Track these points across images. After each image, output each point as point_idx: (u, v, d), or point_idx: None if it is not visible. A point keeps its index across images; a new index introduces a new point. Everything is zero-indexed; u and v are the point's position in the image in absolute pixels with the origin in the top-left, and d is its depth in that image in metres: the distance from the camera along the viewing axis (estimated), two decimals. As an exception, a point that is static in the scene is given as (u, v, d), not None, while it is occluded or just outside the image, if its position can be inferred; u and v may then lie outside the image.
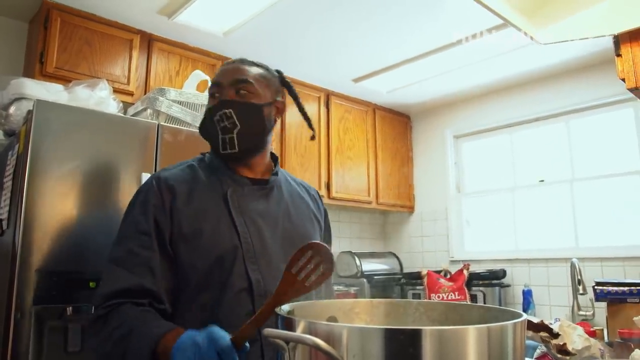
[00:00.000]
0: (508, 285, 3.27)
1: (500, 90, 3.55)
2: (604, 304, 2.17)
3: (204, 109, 1.62)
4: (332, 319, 0.79)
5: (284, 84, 1.22)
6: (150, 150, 1.90)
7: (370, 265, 3.50)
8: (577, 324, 1.82)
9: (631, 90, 2.14)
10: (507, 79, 3.37)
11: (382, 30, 2.65)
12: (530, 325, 1.39)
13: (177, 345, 0.81)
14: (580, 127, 3.21)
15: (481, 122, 3.66)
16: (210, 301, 0.99)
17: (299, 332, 0.60)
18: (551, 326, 1.41)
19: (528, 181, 3.39)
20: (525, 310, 3.02)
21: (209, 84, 1.19)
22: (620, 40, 2.14)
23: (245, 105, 1.09)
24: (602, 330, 2.15)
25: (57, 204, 1.66)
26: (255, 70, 1.15)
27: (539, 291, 3.14)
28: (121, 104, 2.08)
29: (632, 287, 2.04)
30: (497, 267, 3.31)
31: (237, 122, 1.08)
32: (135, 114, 2.14)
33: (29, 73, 2.29)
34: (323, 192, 3.27)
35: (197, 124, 1.65)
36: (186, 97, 2.16)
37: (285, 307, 0.74)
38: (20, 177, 1.64)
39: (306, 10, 2.44)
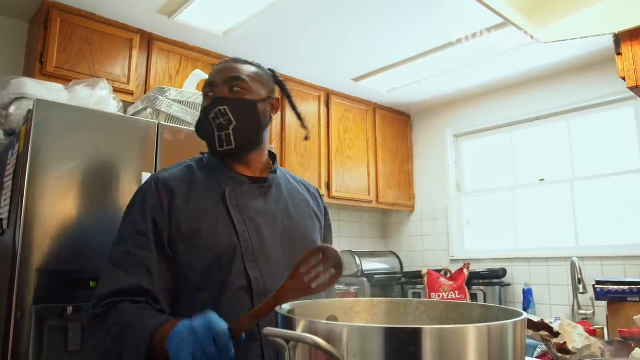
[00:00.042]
0: (508, 284, 3.27)
1: (501, 89, 3.55)
2: (604, 303, 2.17)
3: (204, 109, 1.62)
4: (333, 318, 0.79)
5: (277, 83, 1.22)
6: (151, 150, 1.90)
7: (370, 265, 3.50)
8: (578, 323, 1.82)
9: (631, 89, 2.14)
10: (507, 78, 3.37)
11: (382, 29, 2.65)
12: (531, 324, 1.39)
13: (173, 332, 0.82)
14: (581, 126, 3.21)
15: (481, 121, 3.66)
16: (209, 300, 0.99)
17: (299, 331, 0.60)
18: (551, 325, 1.41)
19: (528, 180, 3.39)
20: (525, 309, 3.02)
21: None
22: (620, 38, 2.14)
23: (239, 101, 1.10)
24: (603, 329, 2.15)
25: (58, 204, 1.66)
26: (248, 68, 1.16)
27: (539, 290, 3.14)
28: (121, 104, 2.08)
29: (633, 286, 2.04)
30: (497, 266, 3.31)
31: (232, 119, 1.08)
32: (135, 114, 2.13)
33: (29, 73, 2.29)
34: (323, 191, 3.27)
35: (197, 124, 1.65)
36: (186, 97, 2.16)
37: (286, 307, 0.74)
38: (21, 177, 1.64)
39: (306, 10, 2.43)
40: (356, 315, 0.82)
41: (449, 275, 3.33)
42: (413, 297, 3.43)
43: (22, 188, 1.61)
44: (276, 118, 3.11)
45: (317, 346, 0.55)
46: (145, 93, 2.45)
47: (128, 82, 2.46)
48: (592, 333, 1.88)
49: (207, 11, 2.44)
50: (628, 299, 2.03)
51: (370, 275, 3.40)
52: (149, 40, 2.60)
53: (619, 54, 2.15)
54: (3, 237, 1.75)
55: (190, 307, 0.99)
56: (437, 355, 0.53)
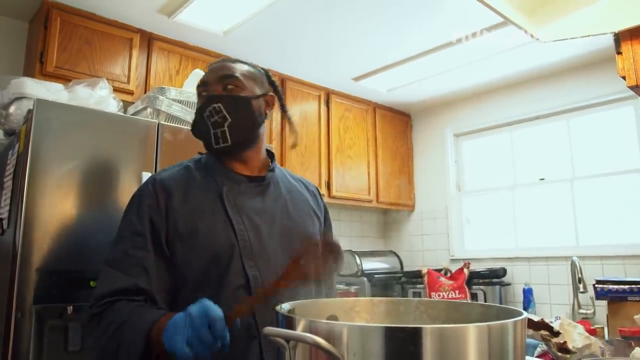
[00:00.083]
0: (508, 284, 3.27)
1: (501, 88, 3.55)
2: (604, 302, 2.17)
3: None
4: (333, 317, 0.79)
5: (270, 83, 1.21)
6: (151, 150, 1.90)
7: (370, 264, 3.50)
8: (578, 323, 1.82)
9: (632, 88, 2.14)
10: (507, 77, 3.37)
11: (382, 29, 2.64)
12: (531, 324, 1.39)
13: (169, 323, 0.82)
14: (581, 125, 3.21)
15: (481, 120, 3.66)
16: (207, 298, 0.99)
17: (299, 331, 0.60)
18: (552, 324, 1.41)
19: (528, 179, 3.39)
20: (525, 309, 3.02)
21: None
22: (620, 38, 2.14)
23: (233, 98, 1.10)
24: (603, 328, 2.15)
25: (58, 203, 1.66)
26: (241, 66, 1.16)
27: (539, 289, 3.14)
28: (121, 103, 2.08)
29: (633, 286, 2.04)
30: (497, 265, 3.31)
31: (227, 116, 1.09)
32: (135, 113, 2.13)
33: (29, 72, 2.29)
34: (323, 191, 3.27)
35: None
36: (186, 96, 2.16)
37: (286, 306, 0.74)
38: (21, 177, 1.64)
39: (306, 9, 2.43)
40: (356, 314, 0.82)
41: (449, 275, 3.33)
42: (413, 297, 3.43)
43: (22, 188, 1.61)
44: (276, 118, 3.11)
45: (318, 346, 0.55)
46: (145, 93, 2.45)
47: (128, 82, 2.46)
48: (593, 332, 1.88)
49: (207, 11, 2.44)
50: (628, 298, 2.04)
51: (370, 275, 3.40)
52: (149, 40, 2.60)
53: (619, 53, 2.15)
54: (3, 237, 1.75)
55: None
56: (437, 354, 0.53)
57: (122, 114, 2.03)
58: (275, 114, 3.11)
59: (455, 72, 3.24)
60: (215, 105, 1.09)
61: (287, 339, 0.60)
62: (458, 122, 3.81)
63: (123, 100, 2.17)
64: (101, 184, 1.76)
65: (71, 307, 1.61)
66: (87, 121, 1.77)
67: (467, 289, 3.15)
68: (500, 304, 3.09)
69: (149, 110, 2.08)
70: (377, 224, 4.13)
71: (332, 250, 0.80)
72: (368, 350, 0.55)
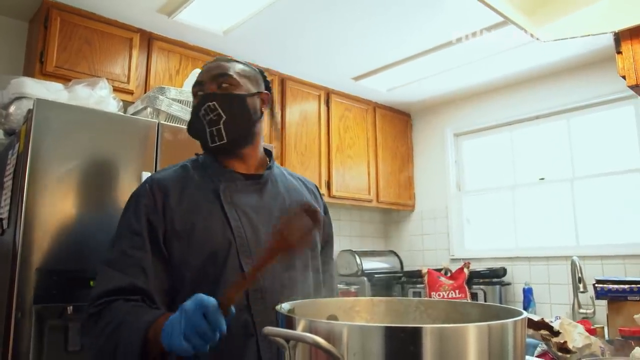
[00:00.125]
0: (508, 284, 3.27)
1: (501, 88, 3.55)
2: (604, 302, 2.17)
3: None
4: (333, 317, 0.79)
5: (265, 83, 1.22)
6: (151, 149, 1.90)
7: (370, 264, 3.50)
8: (578, 322, 1.82)
9: (632, 87, 2.14)
10: (507, 77, 3.37)
11: (382, 28, 2.64)
12: (531, 323, 1.39)
13: (167, 323, 0.82)
14: (581, 125, 3.21)
15: (481, 120, 3.66)
16: None
17: (299, 331, 0.60)
18: (552, 324, 1.41)
19: (528, 179, 3.39)
20: (525, 309, 3.02)
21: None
22: (620, 37, 2.13)
23: (227, 95, 1.11)
24: (603, 328, 2.15)
25: (58, 203, 1.66)
26: (235, 65, 1.16)
27: (539, 289, 3.14)
28: (121, 103, 2.08)
29: (633, 285, 2.04)
30: (497, 265, 3.31)
31: (222, 113, 1.09)
32: (135, 113, 2.13)
33: (29, 72, 2.29)
34: (323, 190, 3.27)
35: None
36: (186, 96, 2.16)
37: (286, 306, 0.74)
38: (21, 177, 1.64)
39: (306, 9, 2.43)
40: (356, 314, 0.82)
41: (449, 275, 3.33)
42: (413, 297, 3.43)
43: (22, 188, 1.61)
44: (276, 117, 3.11)
45: (317, 345, 0.55)
46: (145, 92, 2.45)
47: (128, 82, 2.46)
48: (593, 332, 1.88)
49: (206, 10, 2.44)
50: (628, 297, 2.04)
51: (370, 275, 3.41)
52: (148, 40, 2.60)
53: (619, 52, 2.15)
54: (3, 237, 1.75)
55: None
56: (437, 354, 0.53)
57: (122, 113, 2.03)
58: (276, 114, 3.11)
59: (455, 71, 3.24)
60: (210, 103, 1.09)
61: (287, 339, 0.60)
62: (458, 121, 3.80)
63: (123, 100, 2.17)
64: (101, 184, 1.76)
65: (71, 307, 1.61)
66: (87, 121, 1.77)
67: (467, 289, 3.15)
68: (500, 303, 3.09)
69: (149, 110, 2.07)
70: (377, 224, 4.13)
71: (309, 215, 0.81)
72: (368, 350, 0.54)
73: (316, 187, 1.32)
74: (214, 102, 1.09)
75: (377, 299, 0.85)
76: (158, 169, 1.88)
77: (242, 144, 1.13)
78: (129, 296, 0.95)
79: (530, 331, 1.39)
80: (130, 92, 2.46)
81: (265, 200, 1.11)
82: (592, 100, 3.11)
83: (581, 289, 2.55)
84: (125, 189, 1.79)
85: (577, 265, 2.58)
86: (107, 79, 2.10)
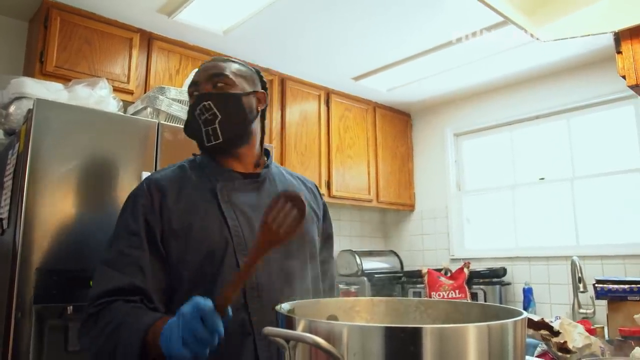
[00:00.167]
0: (508, 284, 3.27)
1: (501, 88, 3.55)
2: (604, 302, 2.17)
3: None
4: (333, 317, 0.79)
5: (261, 83, 1.21)
6: (151, 149, 1.90)
7: (370, 264, 3.50)
8: (578, 322, 1.82)
9: (632, 87, 2.14)
10: (507, 76, 3.37)
11: (382, 28, 2.64)
12: (531, 324, 1.39)
13: (165, 327, 0.82)
14: (581, 124, 3.21)
15: (481, 120, 3.66)
16: (201, 296, 0.99)
17: (299, 331, 0.60)
18: (552, 324, 1.41)
19: (528, 179, 3.39)
20: (525, 309, 3.02)
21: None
22: (620, 37, 2.13)
23: (222, 95, 1.11)
24: (603, 328, 2.15)
25: (58, 203, 1.66)
26: (231, 65, 1.16)
27: (539, 289, 3.14)
28: (121, 103, 2.08)
29: (633, 285, 2.04)
30: (497, 265, 3.31)
31: (217, 113, 1.09)
32: (135, 113, 2.13)
33: (29, 72, 2.29)
34: (323, 190, 3.27)
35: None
36: (186, 96, 2.15)
37: (286, 306, 0.74)
38: (21, 176, 1.64)
39: (306, 9, 2.43)
40: (356, 314, 0.82)
41: (449, 275, 3.33)
42: (413, 296, 3.43)
43: (22, 187, 1.61)
44: (276, 118, 3.11)
45: (317, 346, 0.55)
46: (145, 92, 2.45)
47: (128, 82, 2.46)
48: (593, 332, 1.88)
49: (206, 10, 2.44)
50: (628, 297, 2.04)
51: (370, 275, 3.41)
52: (148, 40, 2.60)
53: (619, 52, 2.15)
54: (3, 237, 1.75)
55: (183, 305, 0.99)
56: (437, 354, 0.53)
57: (122, 113, 2.02)
58: (276, 114, 3.11)
59: (455, 71, 3.24)
60: (205, 103, 1.10)
61: (287, 339, 0.60)
62: (458, 121, 3.80)
63: (123, 100, 2.17)
64: (101, 184, 1.76)
65: (71, 307, 1.61)
66: (87, 121, 1.77)
67: (467, 289, 3.15)
68: (500, 303, 3.09)
69: (149, 110, 2.07)
70: (377, 224, 4.13)
71: (294, 203, 0.81)
72: (368, 350, 0.54)
73: (315, 186, 1.31)
74: (209, 102, 1.09)
75: (377, 299, 0.85)
76: (158, 168, 1.88)
77: (238, 143, 1.13)
78: (127, 296, 0.95)
79: (530, 331, 1.39)
80: (130, 92, 2.46)
81: (262, 198, 1.11)
82: (592, 100, 3.11)
83: (581, 289, 2.55)
84: (125, 188, 1.79)
85: (577, 265, 2.58)
86: (107, 78, 2.10)
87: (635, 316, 1.64)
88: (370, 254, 3.66)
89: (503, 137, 3.59)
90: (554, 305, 3.08)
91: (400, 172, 3.88)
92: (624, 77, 2.12)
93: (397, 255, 3.82)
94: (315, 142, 3.30)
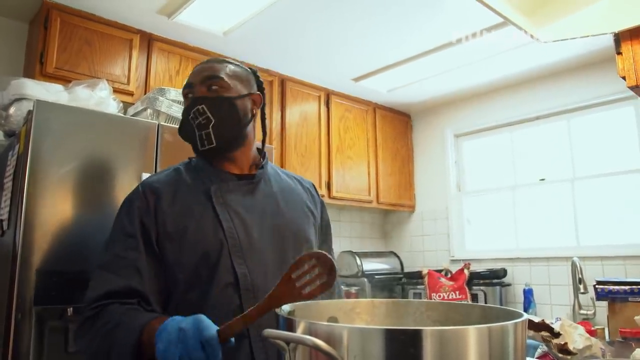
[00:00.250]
0: (509, 285, 3.27)
1: (501, 88, 3.55)
2: (605, 303, 2.17)
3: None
4: (333, 319, 0.79)
5: (257, 84, 1.21)
6: (151, 150, 1.90)
7: (371, 265, 3.50)
8: (578, 323, 1.81)
9: (632, 88, 2.13)
10: (508, 77, 3.37)
11: (382, 29, 2.64)
12: (531, 325, 1.39)
13: (162, 327, 0.82)
14: (581, 125, 3.20)
15: (481, 120, 3.66)
16: (196, 298, 0.99)
17: (299, 333, 0.60)
18: (552, 325, 1.41)
19: (529, 180, 3.39)
20: (526, 310, 3.02)
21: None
22: (620, 38, 2.13)
23: (216, 99, 1.10)
24: (603, 329, 2.14)
25: (58, 204, 1.66)
26: (225, 66, 1.15)
27: (539, 290, 3.14)
28: (121, 104, 2.08)
29: (633, 286, 2.04)
30: (497, 266, 3.31)
31: (211, 117, 1.08)
32: (135, 114, 2.13)
33: (29, 73, 2.29)
34: (324, 191, 3.27)
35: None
36: (186, 97, 2.16)
37: (286, 308, 0.74)
38: (21, 178, 1.64)
39: (306, 10, 2.43)
40: (357, 316, 0.82)
41: (449, 276, 3.33)
42: (414, 298, 3.43)
43: (22, 189, 1.61)
44: (276, 118, 3.11)
45: (317, 348, 0.55)
46: (145, 93, 2.45)
47: (128, 83, 2.46)
48: (593, 333, 1.87)
49: (206, 11, 2.44)
50: (629, 299, 2.03)
51: (370, 276, 3.40)
52: (148, 41, 2.60)
53: (619, 53, 2.15)
54: (3, 238, 1.74)
55: (179, 307, 0.99)
56: (437, 356, 0.53)
57: (122, 115, 2.02)
58: (276, 115, 3.11)
59: (456, 72, 3.24)
60: (199, 107, 1.09)
61: (287, 341, 0.59)
62: (458, 122, 3.80)
63: (123, 101, 2.17)
64: (101, 185, 1.76)
65: (71, 309, 1.61)
66: (87, 122, 1.77)
67: (467, 290, 3.15)
68: (501, 304, 3.09)
69: (148, 111, 2.08)
70: (378, 225, 4.13)
71: (324, 268, 0.78)
72: (368, 352, 0.54)
73: (313, 185, 1.31)
74: (203, 106, 1.09)
75: (378, 300, 0.85)
76: (158, 170, 1.88)
77: (232, 147, 1.13)
78: (124, 299, 0.95)
79: (531, 332, 1.39)
80: (130, 93, 2.46)
81: (257, 200, 1.11)
82: (592, 101, 3.11)
83: (582, 290, 2.55)
84: (125, 190, 1.77)
85: (578, 266, 2.58)
86: (107, 80, 2.10)
87: (636, 317, 1.64)
88: (370, 255, 3.66)
89: (503, 137, 3.58)
90: (555, 306, 3.08)
91: (401, 173, 3.88)
92: (624, 78, 2.12)
93: (398, 256, 3.82)
94: (316, 143, 3.30)
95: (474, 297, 3.16)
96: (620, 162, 2.97)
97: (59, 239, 1.64)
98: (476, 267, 3.32)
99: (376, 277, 3.44)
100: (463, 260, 3.48)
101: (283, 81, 3.19)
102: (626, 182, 2.94)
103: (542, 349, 1.50)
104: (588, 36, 2.27)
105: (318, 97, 3.40)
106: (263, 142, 1.23)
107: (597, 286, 2.16)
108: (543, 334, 1.38)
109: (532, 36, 2.35)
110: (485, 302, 3.11)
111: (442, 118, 3.90)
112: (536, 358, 1.48)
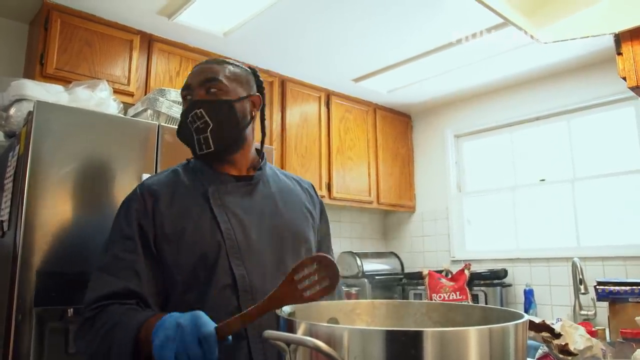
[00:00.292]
0: (509, 285, 3.27)
1: (501, 89, 3.55)
2: (605, 304, 2.17)
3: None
4: (333, 320, 0.79)
5: (257, 84, 1.20)
6: (151, 151, 1.90)
7: (371, 265, 3.50)
8: (579, 324, 1.81)
9: (632, 88, 2.14)
10: (508, 78, 3.37)
11: (382, 29, 2.64)
12: (532, 326, 1.39)
13: (159, 323, 0.82)
14: (581, 126, 3.20)
15: (482, 121, 3.66)
16: (194, 299, 0.99)
17: (299, 334, 0.60)
18: (553, 326, 1.40)
19: (529, 180, 3.39)
20: (526, 310, 3.02)
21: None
22: (621, 38, 2.13)
23: (215, 103, 1.09)
24: (604, 330, 2.14)
25: (58, 205, 1.65)
26: (225, 68, 1.14)
27: (540, 291, 3.14)
28: (121, 105, 2.08)
29: (634, 287, 2.04)
30: (498, 266, 3.30)
31: (209, 121, 1.08)
32: (135, 115, 2.13)
33: (29, 74, 2.29)
34: (324, 192, 3.27)
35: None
36: (186, 98, 2.16)
37: (286, 309, 0.74)
38: (21, 179, 1.64)
39: (306, 10, 2.43)
40: (357, 317, 0.82)
41: (450, 276, 3.33)
42: (414, 298, 3.42)
43: (22, 190, 1.61)
44: (276, 119, 3.11)
45: (318, 349, 0.55)
46: (145, 94, 2.45)
47: (128, 84, 2.46)
48: (594, 334, 1.87)
49: (207, 12, 2.44)
50: (629, 299, 2.03)
51: (371, 276, 3.40)
52: (149, 42, 2.60)
53: (619, 53, 2.15)
54: (3, 239, 1.74)
55: (178, 309, 0.99)
56: (438, 357, 0.53)
57: (123, 115, 2.02)
58: (276, 116, 3.11)
59: (456, 72, 3.24)
60: (197, 110, 1.08)
61: (288, 343, 0.59)
62: (458, 123, 3.80)
63: (123, 102, 2.17)
64: (101, 186, 1.76)
65: (71, 310, 1.60)
66: (87, 123, 1.77)
67: (468, 290, 3.15)
68: (501, 305, 3.09)
69: (149, 112, 2.08)
70: (378, 225, 4.13)
71: (327, 272, 0.77)
72: (369, 353, 0.54)
73: (312, 186, 1.31)
74: (201, 110, 1.08)
75: (378, 301, 0.85)
76: (158, 171, 1.88)
77: (230, 150, 1.12)
78: (123, 300, 0.95)
79: (532, 333, 1.39)
80: (131, 94, 2.46)
81: (255, 201, 1.11)
82: (592, 102, 3.11)
83: (582, 291, 2.55)
84: (126, 191, 1.77)
85: (578, 266, 2.58)
86: (107, 80, 2.10)
87: (637, 318, 1.63)
88: (370, 255, 3.66)
89: (503, 138, 3.58)
90: (555, 307, 3.07)
91: (401, 174, 3.88)
92: (624, 78, 2.12)
93: (398, 257, 3.82)
94: (316, 144, 3.30)
95: (475, 298, 3.16)
96: (621, 163, 2.97)
97: (60, 239, 1.64)
98: (477, 268, 3.32)
99: (376, 277, 3.43)
100: (463, 260, 3.48)
101: (283, 82, 3.19)
102: (626, 182, 2.94)
103: (542, 349, 1.50)
104: (588, 37, 2.27)
105: (318, 98, 3.40)
106: (262, 143, 1.23)
107: (597, 287, 2.16)
108: (544, 334, 1.38)
109: (532, 37, 2.35)
110: (486, 303, 3.11)
111: (443, 118, 3.90)
112: (537, 359, 1.48)
